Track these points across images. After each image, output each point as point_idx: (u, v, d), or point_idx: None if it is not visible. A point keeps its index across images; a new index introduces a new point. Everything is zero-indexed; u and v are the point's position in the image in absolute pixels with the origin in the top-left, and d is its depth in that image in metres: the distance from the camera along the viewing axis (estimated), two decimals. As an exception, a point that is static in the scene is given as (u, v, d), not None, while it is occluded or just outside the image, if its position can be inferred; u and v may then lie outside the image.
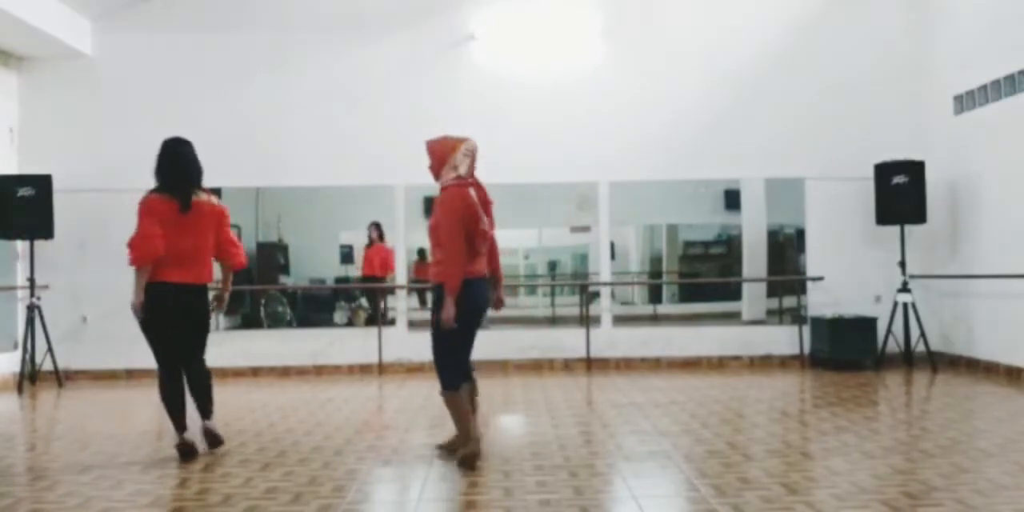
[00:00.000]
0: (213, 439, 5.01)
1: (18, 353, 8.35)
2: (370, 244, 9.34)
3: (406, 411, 6.48)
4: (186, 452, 4.82)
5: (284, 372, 8.84)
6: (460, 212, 4.37)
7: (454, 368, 4.54)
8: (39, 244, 8.39)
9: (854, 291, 8.94)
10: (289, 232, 9.37)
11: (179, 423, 4.87)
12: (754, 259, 9.27)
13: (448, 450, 4.81)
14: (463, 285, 4.34)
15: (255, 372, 8.78)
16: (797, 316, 9.10)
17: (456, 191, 4.44)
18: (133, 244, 4.69)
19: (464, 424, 4.54)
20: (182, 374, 4.92)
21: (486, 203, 4.54)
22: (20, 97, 8.89)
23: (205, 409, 5.02)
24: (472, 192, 4.47)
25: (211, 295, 5.10)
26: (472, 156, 4.54)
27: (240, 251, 5.09)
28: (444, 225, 4.37)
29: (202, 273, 4.90)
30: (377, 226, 9.24)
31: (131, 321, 4.86)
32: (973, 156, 8.30)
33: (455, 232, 4.34)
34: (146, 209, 4.74)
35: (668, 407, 6.41)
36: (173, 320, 4.81)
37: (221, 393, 7.44)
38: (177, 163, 4.85)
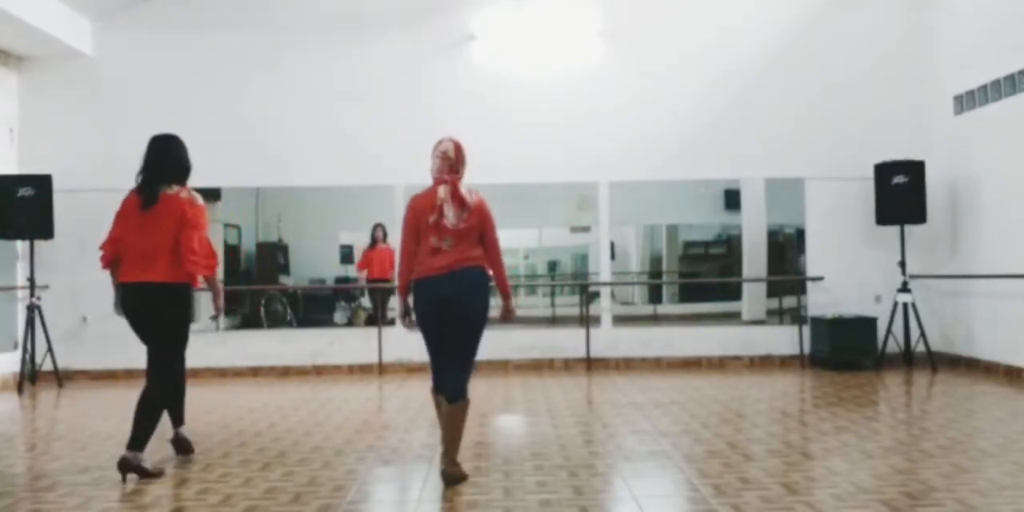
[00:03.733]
0: (182, 445, 4.90)
1: (18, 353, 8.35)
2: (373, 245, 9.30)
3: (406, 411, 6.47)
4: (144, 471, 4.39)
5: (284, 372, 8.84)
6: (406, 214, 4.34)
7: (433, 372, 4.37)
8: (39, 244, 8.40)
9: (854, 291, 8.94)
10: (289, 232, 9.37)
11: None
12: (754, 259, 9.27)
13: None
14: (414, 285, 4.28)
15: (255, 372, 8.77)
16: (797, 316, 9.10)
17: (413, 197, 4.39)
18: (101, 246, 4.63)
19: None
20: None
21: (458, 199, 4.26)
22: (20, 97, 8.89)
23: (173, 416, 4.88)
24: (441, 190, 4.26)
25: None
26: (442, 156, 4.34)
27: (195, 257, 4.46)
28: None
29: (162, 272, 4.42)
30: (381, 227, 9.22)
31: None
32: (973, 156, 8.30)
33: (403, 234, 4.35)
34: (118, 210, 4.61)
35: (668, 407, 6.41)
36: (136, 322, 4.52)
37: (221, 393, 7.53)
38: (147, 159, 4.60)
